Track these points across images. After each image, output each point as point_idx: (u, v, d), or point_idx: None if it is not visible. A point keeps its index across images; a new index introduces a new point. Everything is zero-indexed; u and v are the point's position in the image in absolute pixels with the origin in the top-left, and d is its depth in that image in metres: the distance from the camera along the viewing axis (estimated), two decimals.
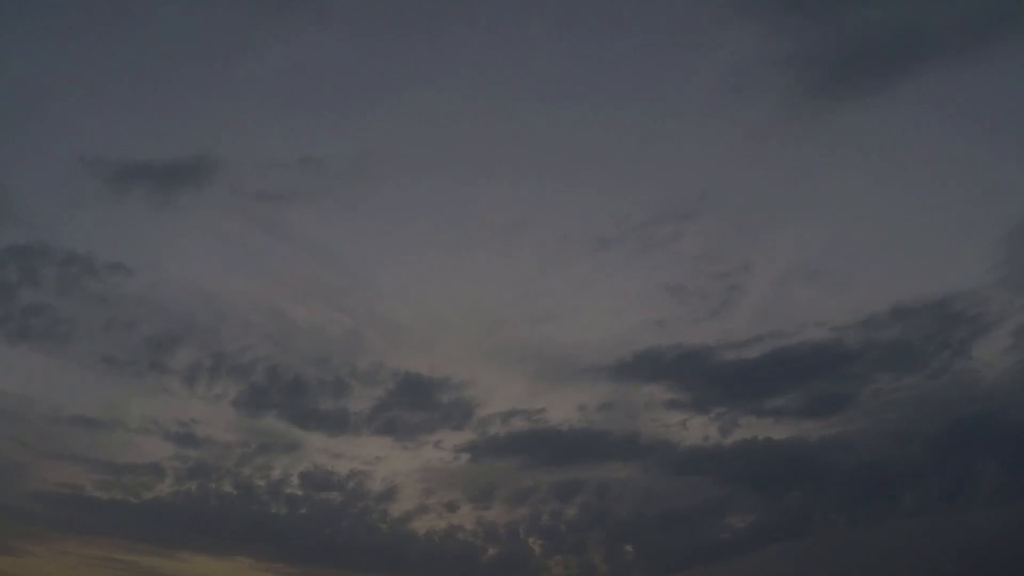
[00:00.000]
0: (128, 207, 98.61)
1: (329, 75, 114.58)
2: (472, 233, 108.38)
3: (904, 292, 79.49)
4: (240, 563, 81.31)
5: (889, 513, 72.94)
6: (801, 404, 76.05)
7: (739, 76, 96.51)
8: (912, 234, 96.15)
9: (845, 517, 74.27)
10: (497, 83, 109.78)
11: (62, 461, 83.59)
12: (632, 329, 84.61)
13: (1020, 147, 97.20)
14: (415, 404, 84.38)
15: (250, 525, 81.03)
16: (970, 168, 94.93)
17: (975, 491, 69.53)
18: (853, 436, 75.00)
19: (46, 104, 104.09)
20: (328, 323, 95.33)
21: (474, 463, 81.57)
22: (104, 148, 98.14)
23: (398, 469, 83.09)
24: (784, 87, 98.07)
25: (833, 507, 74.48)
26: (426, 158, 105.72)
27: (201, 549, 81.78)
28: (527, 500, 79.12)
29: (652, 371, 78.42)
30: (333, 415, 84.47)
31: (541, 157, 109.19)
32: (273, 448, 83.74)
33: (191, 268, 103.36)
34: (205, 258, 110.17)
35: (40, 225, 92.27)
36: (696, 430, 77.35)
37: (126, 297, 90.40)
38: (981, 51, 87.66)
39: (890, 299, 79.10)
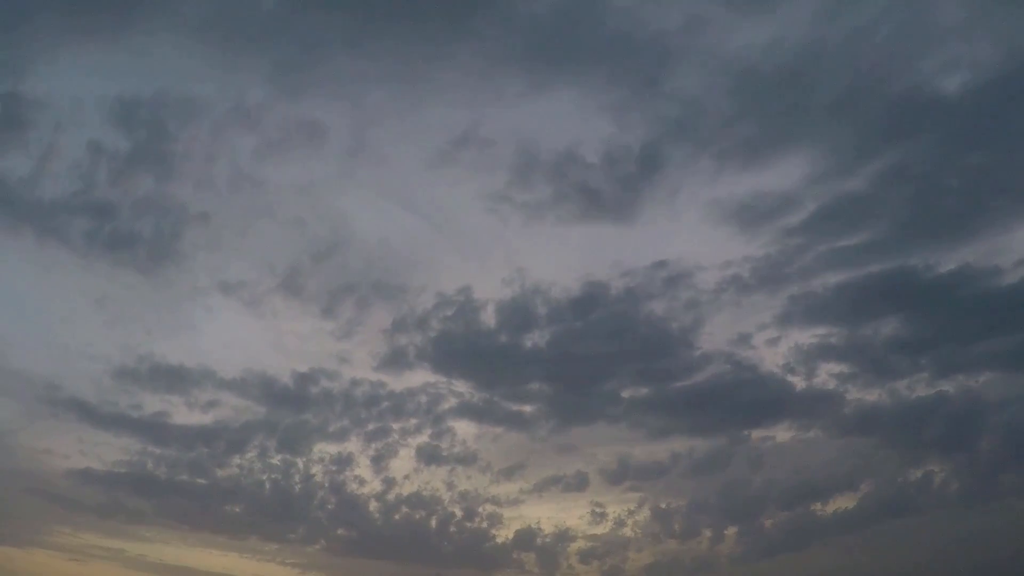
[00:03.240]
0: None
1: None
2: None
3: None
4: (308, 553, 69.67)
5: (1010, 490, 65.84)
6: (1011, 348, 65.04)
7: None
8: None
9: (960, 491, 67.21)
10: None
11: (123, 430, 68.63)
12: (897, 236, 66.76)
13: None
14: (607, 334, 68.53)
15: (332, 511, 69.45)
16: None
17: None
18: None
19: None
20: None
21: (634, 428, 70.29)
22: None
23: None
24: None
25: (960, 479, 67.37)
26: None
27: (266, 539, 69.94)
28: (665, 474, 69.59)
29: (892, 300, 66.28)
30: (502, 357, 68.77)
31: None
32: (404, 409, 70.03)
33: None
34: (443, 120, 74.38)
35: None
36: (898, 377, 67.07)
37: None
38: None
39: None
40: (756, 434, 68.94)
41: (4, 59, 63.30)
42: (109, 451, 67.35)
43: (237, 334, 72.40)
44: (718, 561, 68.69)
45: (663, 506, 68.88)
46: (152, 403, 68.45)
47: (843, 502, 68.08)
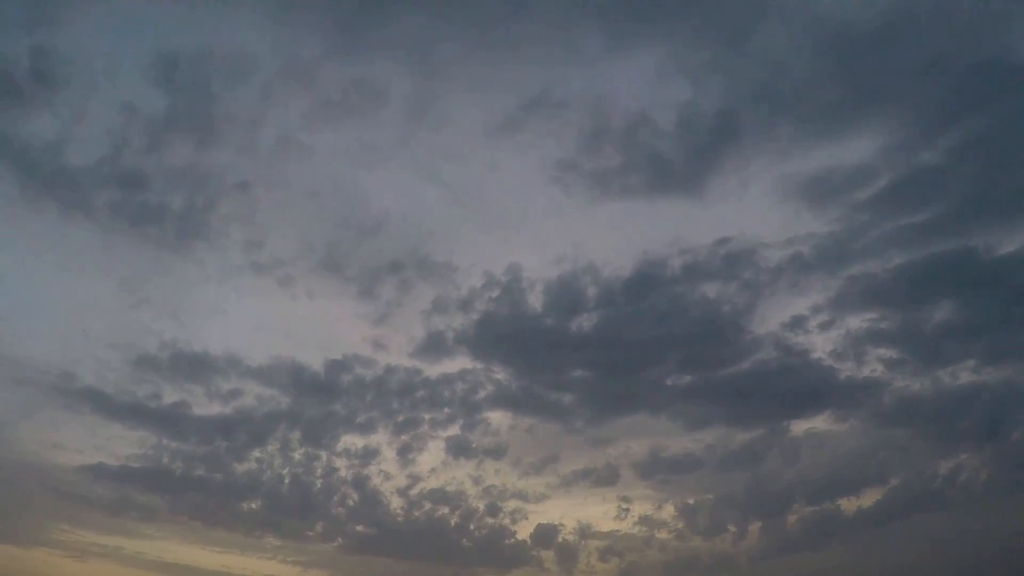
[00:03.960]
0: None
1: None
2: None
3: None
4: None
5: None
6: None
7: None
8: None
9: (988, 485, 65.14)
10: None
11: (139, 422, 65.06)
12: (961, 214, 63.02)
13: None
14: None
15: (352, 507, 65.83)
16: None
17: None
18: None
19: None
20: None
21: (673, 418, 67.01)
22: None
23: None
24: None
25: (989, 472, 65.38)
26: None
27: (283, 536, 66.80)
28: (697, 468, 67.38)
29: (948, 282, 63.36)
30: (546, 342, 64.97)
31: None
32: (438, 398, 66.31)
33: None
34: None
35: None
36: (945, 364, 64.34)
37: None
38: None
39: None
40: (795, 425, 66.79)
41: (34, 9, 57.79)
42: (123, 445, 64.29)
43: (268, 318, 69.01)
44: (738, 558, 66.94)
45: (690, 501, 67.16)
46: (172, 393, 65.17)
47: (870, 496, 66.37)
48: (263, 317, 68.18)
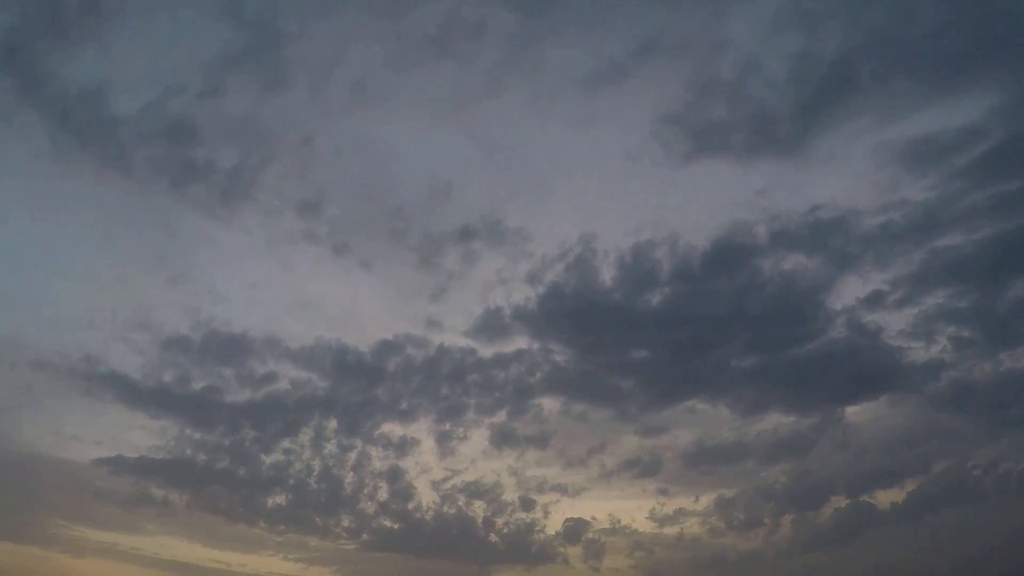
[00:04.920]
0: None
1: None
2: None
3: None
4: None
5: None
6: None
7: None
8: None
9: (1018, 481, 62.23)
10: None
11: (163, 410, 60.35)
12: None
13: None
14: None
15: (382, 503, 61.63)
16: None
17: None
18: None
19: None
20: None
21: (732, 404, 63.72)
22: None
23: None
24: None
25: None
26: None
27: (307, 533, 62.77)
28: (744, 458, 64.49)
29: None
30: (612, 319, 60.22)
31: None
32: (490, 381, 61.74)
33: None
34: None
35: None
36: (1014, 345, 60.66)
37: None
38: None
39: None
40: (850, 411, 63.84)
41: None
42: (143, 435, 59.80)
43: (316, 292, 63.98)
44: (766, 553, 64.48)
45: (729, 493, 64.53)
46: (201, 377, 60.59)
47: (908, 487, 63.73)
48: (311, 292, 63.41)
